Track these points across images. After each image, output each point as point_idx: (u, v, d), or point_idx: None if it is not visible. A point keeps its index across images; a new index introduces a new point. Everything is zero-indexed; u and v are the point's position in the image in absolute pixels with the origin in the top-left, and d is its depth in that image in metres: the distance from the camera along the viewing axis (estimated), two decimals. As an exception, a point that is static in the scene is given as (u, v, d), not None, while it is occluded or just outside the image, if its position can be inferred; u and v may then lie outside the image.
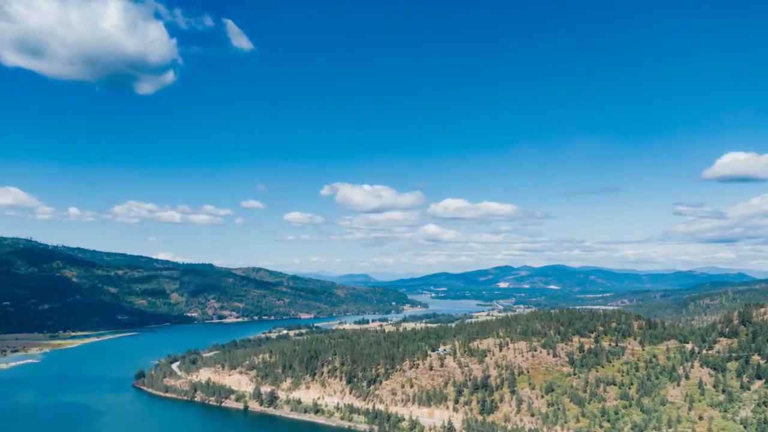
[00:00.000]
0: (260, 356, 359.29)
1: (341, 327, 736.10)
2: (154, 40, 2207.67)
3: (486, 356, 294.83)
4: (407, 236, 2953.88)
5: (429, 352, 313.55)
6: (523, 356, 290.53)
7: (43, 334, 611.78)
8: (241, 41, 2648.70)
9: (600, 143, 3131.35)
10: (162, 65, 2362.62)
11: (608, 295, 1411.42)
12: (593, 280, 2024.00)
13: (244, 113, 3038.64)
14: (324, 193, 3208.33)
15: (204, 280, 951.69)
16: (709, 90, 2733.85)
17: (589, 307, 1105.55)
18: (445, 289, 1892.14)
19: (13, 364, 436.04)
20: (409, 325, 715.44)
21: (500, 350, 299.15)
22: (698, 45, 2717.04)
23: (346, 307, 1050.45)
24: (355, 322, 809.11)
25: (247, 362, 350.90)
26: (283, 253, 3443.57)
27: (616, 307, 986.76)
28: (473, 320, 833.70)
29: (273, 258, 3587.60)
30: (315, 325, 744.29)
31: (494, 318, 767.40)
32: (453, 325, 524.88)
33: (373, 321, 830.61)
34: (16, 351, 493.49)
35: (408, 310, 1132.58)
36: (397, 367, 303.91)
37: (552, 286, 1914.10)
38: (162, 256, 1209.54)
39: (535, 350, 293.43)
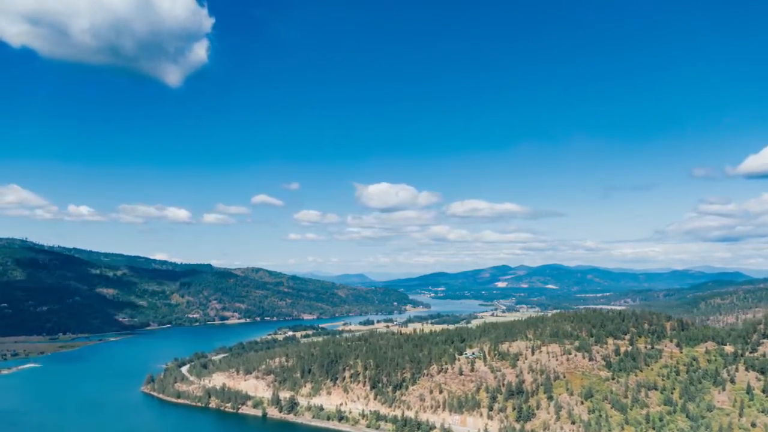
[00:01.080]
0: (276, 360, 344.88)
1: (347, 328, 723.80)
2: (187, 25, 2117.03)
3: (518, 360, 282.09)
4: (416, 235, 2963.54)
5: (457, 355, 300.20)
6: (557, 360, 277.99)
7: (43, 336, 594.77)
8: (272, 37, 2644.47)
9: (612, 143, 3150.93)
10: (189, 52, 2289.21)
11: (609, 294, 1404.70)
12: (591, 280, 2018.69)
13: (267, 111, 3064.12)
14: (343, 191, 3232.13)
15: (204, 280, 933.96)
16: (722, 89, 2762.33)
17: (593, 306, 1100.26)
18: (443, 288, 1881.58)
19: (15, 369, 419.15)
20: (416, 326, 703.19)
21: (532, 353, 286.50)
22: (709, 44, 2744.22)
23: (348, 307, 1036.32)
24: (360, 323, 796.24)
25: (263, 366, 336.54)
26: (285, 253, 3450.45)
27: (621, 307, 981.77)
28: (481, 320, 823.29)
29: (269, 258, 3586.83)
30: (320, 326, 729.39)
31: (497, 318, 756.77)
32: (472, 326, 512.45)
33: (378, 322, 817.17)
34: (16, 355, 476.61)
35: (410, 310, 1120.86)
36: (424, 371, 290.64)
37: (550, 286, 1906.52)
38: (158, 257, 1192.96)
39: (570, 353, 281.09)
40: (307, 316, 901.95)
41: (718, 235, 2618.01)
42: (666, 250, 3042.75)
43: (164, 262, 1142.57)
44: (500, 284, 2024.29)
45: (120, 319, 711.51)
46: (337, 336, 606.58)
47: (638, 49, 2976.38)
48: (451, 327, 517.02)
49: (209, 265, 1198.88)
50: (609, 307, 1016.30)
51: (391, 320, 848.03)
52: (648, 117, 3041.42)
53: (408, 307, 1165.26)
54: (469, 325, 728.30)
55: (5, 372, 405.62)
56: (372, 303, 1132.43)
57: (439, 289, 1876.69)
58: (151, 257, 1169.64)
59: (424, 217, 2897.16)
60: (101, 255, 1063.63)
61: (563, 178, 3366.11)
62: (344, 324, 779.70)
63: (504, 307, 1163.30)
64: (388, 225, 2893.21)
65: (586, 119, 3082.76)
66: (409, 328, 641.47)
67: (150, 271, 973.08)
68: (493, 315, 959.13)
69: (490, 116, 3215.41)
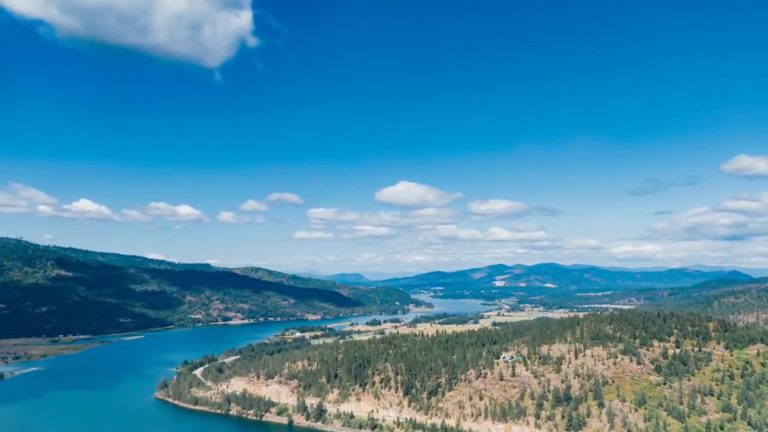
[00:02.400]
0: (298, 364, 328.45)
1: (355, 329, 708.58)
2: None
3: (562, 364, 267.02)
4: (426, 234, 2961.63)
5: (494, 359, 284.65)
6: (603, 364, 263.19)
7: (43, 338, 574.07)
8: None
9: (640, 139, 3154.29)
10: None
11: (610, 293, 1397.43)
12: (588, 279, 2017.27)
13: (293, 108, 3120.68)
14: (362, 190, 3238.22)
15: (205, 280, 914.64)
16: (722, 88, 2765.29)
17: (597, 306, 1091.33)
18: (442, 288, 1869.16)
19: (17, 372, 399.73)
20: (425, 326, 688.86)
21: (576, 357, 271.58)
22: (708, 43, 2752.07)
23: (352, 307, 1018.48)
24: (367, 323, 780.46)
25: (285, 371, 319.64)
26: (286, 253, 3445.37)
27: (628, 306, 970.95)
28: (488, 319, 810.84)
29: (266, 257, 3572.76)
30: (327, 326, 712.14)
31: (505, 318, 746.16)
32: (495, 326, 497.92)
33: (385, 322, 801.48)
34: (17, 358, 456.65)
35: (413, 310, 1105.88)
36: (461, 376, 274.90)
37: (548, 285, 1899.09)
38: (153, 256, 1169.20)
39: (616, 357, 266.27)
40: (311, 317, 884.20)
41: (726, 234, 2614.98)
42: (665, 248, 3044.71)
43: (162, 262, 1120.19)
44: (498, 283, 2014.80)
45: (121, 320, 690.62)
46: (348, 337, 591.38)
47: (654, 45, 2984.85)
48: (473, 327, 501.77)
49: (208, 265, 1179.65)
50: (614, 306, 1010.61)
51: (397, 320, 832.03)
52: (679, 112, 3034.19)
53: (411, 306, 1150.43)
54: (478, 325, 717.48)
55: (8, 376, 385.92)
56: (374, 303, 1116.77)
57: (438, 288, 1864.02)
58: (148, 257, 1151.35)
59: (442, 215, 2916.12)
60: (97, 254, 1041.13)
61: (579, 176, 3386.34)
62: (351, 324, 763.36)
63: (508, 307, 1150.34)
64: (402, 224, 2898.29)
65: (606, 118, 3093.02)
66: (419, 329, 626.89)
67: (149, 270, 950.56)
68: (499, 314, 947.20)
69: (513, 116, 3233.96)
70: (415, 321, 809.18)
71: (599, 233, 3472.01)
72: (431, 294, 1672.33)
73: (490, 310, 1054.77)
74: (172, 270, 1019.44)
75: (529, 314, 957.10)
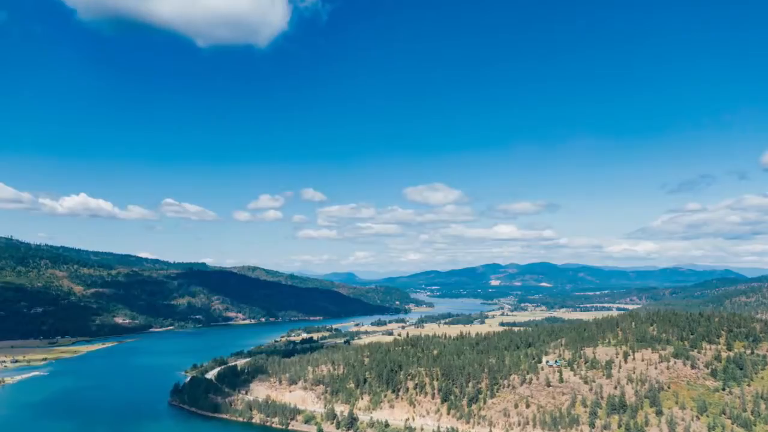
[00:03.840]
0: (323, 368, 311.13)
1: (362, 329, 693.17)
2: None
3: (611, 368, 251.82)
4: (431, 234, 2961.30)
5: (536, 363, 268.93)
6: (656, 368, 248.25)
7: (40, 340, 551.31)
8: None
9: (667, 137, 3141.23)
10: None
11: (608, 292, 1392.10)
12: (583, 278, 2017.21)
13: (322, 109, 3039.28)
14: (375, 189, 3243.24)
15: (204, 280, 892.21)
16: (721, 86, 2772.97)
17: (600, 305, 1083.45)
18: (438, 287, 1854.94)
19: (18, 377, 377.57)
20: (432, 327, 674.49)
21: (625, 361, 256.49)
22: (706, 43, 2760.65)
23: (353, 307, 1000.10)
24: (372, 324, 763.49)
25: (310, 376, 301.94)
26: (285, 251, 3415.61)
27: (631, 306, 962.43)
28: (494, 319, 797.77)
29: (261, 257, 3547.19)
30: (333, 327, 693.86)
31: (513, 318, 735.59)
32: (504, 326, 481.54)
33: (390, 322, 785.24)
34: (16, 362, 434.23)
35: (414, 309, 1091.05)
36: (503, 381, 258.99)
37: (544, 284, 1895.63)
38: (144, 255, 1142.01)
39: (668, 360, 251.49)
40: (312, 317, 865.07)
41: (729, 232, 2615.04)
42: (662, 248, 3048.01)
43: (156, 261, 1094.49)
44: (494, 282, 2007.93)
45: (120, 321, 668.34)
46: (357, 338, 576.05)
47: (637, 46, 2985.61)
48: (486, 328, 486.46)
49: (204, 264, 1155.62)
50: (617, 305, 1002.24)
51: (402, 320, 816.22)
52: (715, 107, 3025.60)
53: (411, 306, 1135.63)
54: (485, 325, 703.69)
55: (9, 381, 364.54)
56: (374, 302, 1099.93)
57: (434, 287, 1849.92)
58: (141, 256, 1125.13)
59: (462, 212, 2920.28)
60: (90, 254, 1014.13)
61: (603, 175, 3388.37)
62: (356, 325, 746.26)
63: (510, 306, 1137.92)
64: (417, 221, 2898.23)
65: (629, 116, 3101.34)
66: (427, 329, 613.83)
67: (146, 270, 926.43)
68: (503, 314, 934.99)
69: (523, 115, 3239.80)
70: (421, 321, 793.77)
71: (608, 232, 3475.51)
72: (428, 293, 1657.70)
73: (492, 310, 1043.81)
74: (170, 269, 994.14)
75: (534, 314, 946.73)
